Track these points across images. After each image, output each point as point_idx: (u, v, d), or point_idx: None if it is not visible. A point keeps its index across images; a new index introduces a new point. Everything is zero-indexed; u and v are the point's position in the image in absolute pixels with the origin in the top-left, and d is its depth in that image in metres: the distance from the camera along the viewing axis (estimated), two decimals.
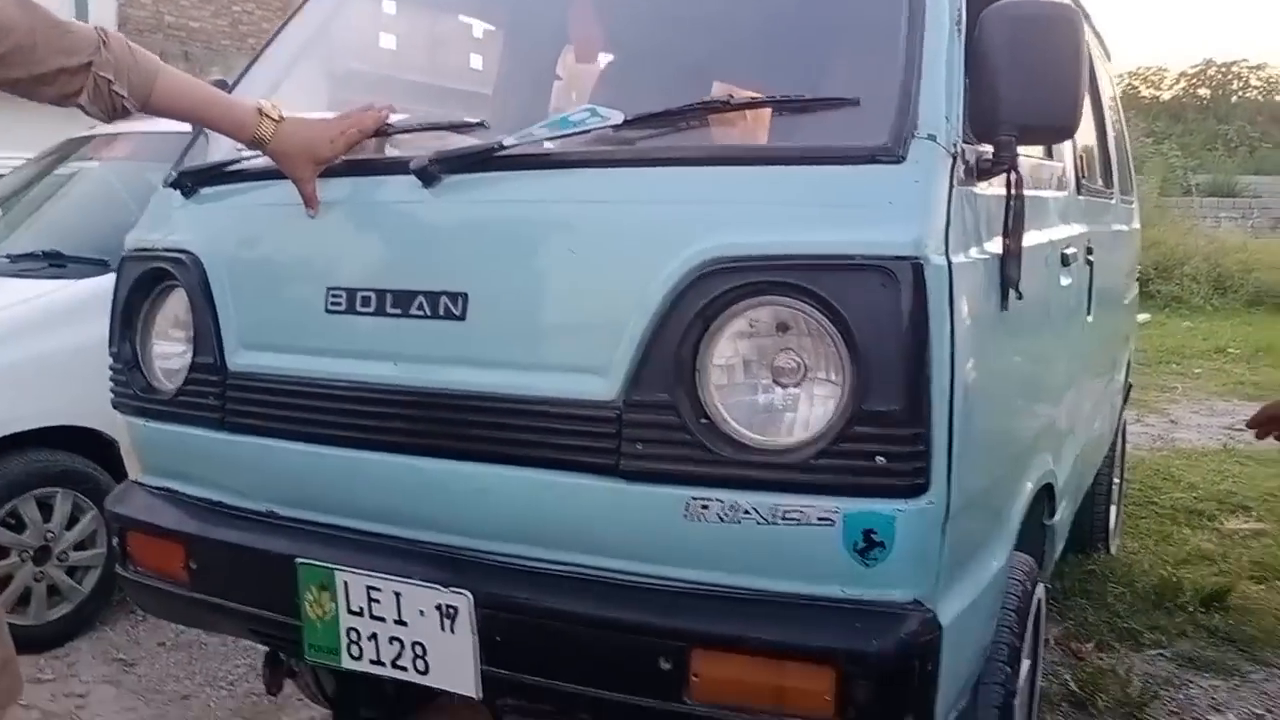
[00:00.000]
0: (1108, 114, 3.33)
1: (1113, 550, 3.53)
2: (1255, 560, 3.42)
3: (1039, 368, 1.88)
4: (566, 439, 1.44)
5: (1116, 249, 3.07)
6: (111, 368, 1.97)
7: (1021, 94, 1.43)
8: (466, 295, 1.53)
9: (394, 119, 1.73)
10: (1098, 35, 3.56)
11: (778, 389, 1.37)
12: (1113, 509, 3.57)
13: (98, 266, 3.19)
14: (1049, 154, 2.14)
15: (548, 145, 1.55)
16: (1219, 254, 11.86)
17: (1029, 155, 1.94)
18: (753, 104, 1.49)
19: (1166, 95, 42.21)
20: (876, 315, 1.29)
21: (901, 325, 1.29)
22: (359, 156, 1.71)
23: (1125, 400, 3.88)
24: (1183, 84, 43.42)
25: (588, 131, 1.52)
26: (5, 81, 1.49)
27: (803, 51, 1.74)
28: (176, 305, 1.88)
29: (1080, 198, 2.37)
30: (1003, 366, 1.55)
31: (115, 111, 1.55)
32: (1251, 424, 1.97)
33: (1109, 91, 3.62)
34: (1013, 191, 1.50)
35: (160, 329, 1.91)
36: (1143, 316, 10.05)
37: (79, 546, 3.03)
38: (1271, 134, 35.95)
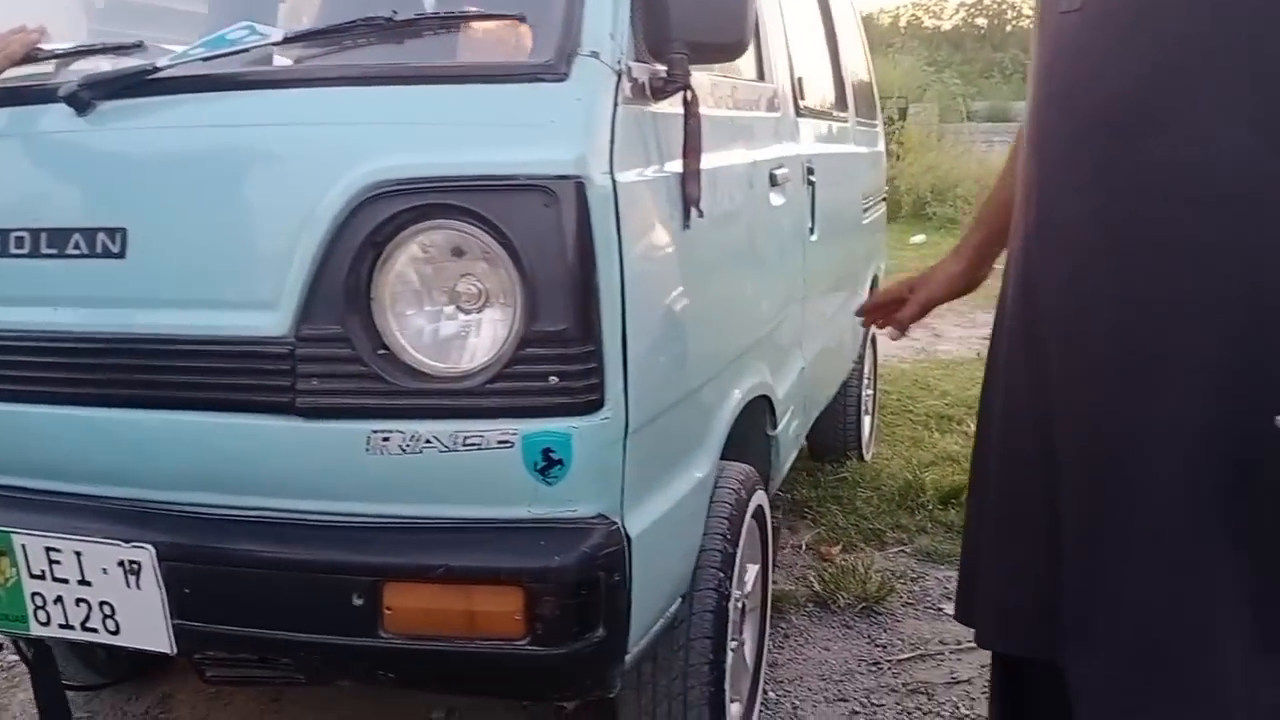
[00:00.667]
0: (844, 37, 3.44)
1: (867, 458, 3.74)
2: None
3: (739, 284, 1.94)
4: (238, 379, 1.38)
5: (850, 170, 3.20)
6: None
7: (690, 12, 1.44)
8: (125, 231, 1.43)
9: (51, 45, 1.59)
10: None
11: (455, 315, 1.35)
12: (866, 419, 3.77)
13: None
14: (760, 75, 2.19)
15: (206, 67, 1.46)
16: (988, 175, 12.59)
17: (735, 78, 1.98)
18: (416, 21, 1.44)
19: (947, 25, 44.36)
20: (541, 235, 1.29)
21: (566, 244, 1.29)
22: (8, 84, 1.56)
23: None
24: (962, 14, 45.75)
25: (246, 50, 1.44)
26: None
27: None
28: None
29: (799, 119, 2.44)
30: (688, 283, 1.58)
31: None
32: (859, 311, 1.81)
33: (849, 16, 3.74)
34: (688, 111, 1.51)
35: None
36: (918, 238, 10.66)
37: None
38: None
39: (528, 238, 1.29)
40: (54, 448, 1.51)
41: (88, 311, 1.45)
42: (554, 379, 1.30)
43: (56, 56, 1.60)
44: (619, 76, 1.39)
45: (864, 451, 3.71)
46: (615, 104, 1.37)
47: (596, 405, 1.32)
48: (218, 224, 1.41)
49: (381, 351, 1.34)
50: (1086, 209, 1.10)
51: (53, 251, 1.47)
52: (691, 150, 1.53)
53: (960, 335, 6.24)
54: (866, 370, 3.74)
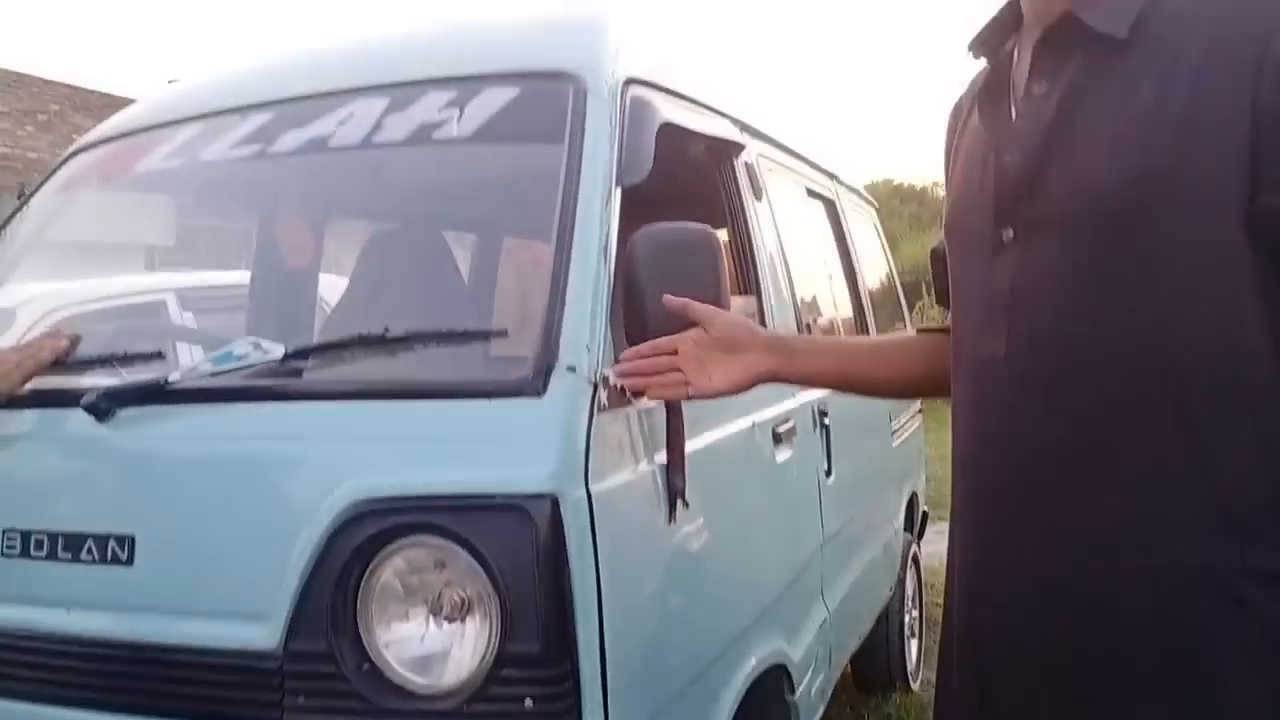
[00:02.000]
0: (861, 263, 3.51)
1: (915, 687, 3.60)
2: None
3: (739, 558, 1.94)
4: (229, 691, 1.41)
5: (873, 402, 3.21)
6: None
7: (664, 315, 1.50)
8: (134, 538, 1.50)
9: (80, 348, 1.72)
10: (856, 190, 3.81)
11: (436, 630, 1.37)
12: (911, 643, 3.65)
13: None
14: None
15: (213, 379, 1.56)
16: None
17: None
18: (408, 338, 1.53)
19: None
20: (516, 555, 1.32)
21: (539, 564, 1.31)
22: (38, 388, 1.69)
23: (920, 529, 4.01)
24: None
25: (251, 366, 1.54)
26: None
27: (464, 284, 1.81)
28: None
29: None
30: (677, 576, 1.60)
31: None
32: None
33: (869, 239, 3.84)
34: (671, 408, 1.56)
35: None
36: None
37: None
38: None
39: (503, 558, 1.32)
40: None
41: (98, 616, 1.51)
42: (529, 701, 1.30)
43: (83, 363, 1.72)
44: (595, 388, 1.44)
45: (910, 681, 3.57)
46: (591, 415, 1.42)
47: None
48: (216, 534, 1.47)
49: (366, 667, 1.36)
50: (1027, 570, 1.08)
51: (68, 556, 1.54)
52: (675, 444, 1.57)
53: None
54: (909, 590, 3.65)
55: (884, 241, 4.13)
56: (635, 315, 1.51)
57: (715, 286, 1.53)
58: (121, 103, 16.60)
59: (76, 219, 2.23)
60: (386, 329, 1.52)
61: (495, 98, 1.76)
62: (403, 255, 1.94)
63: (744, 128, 2.39)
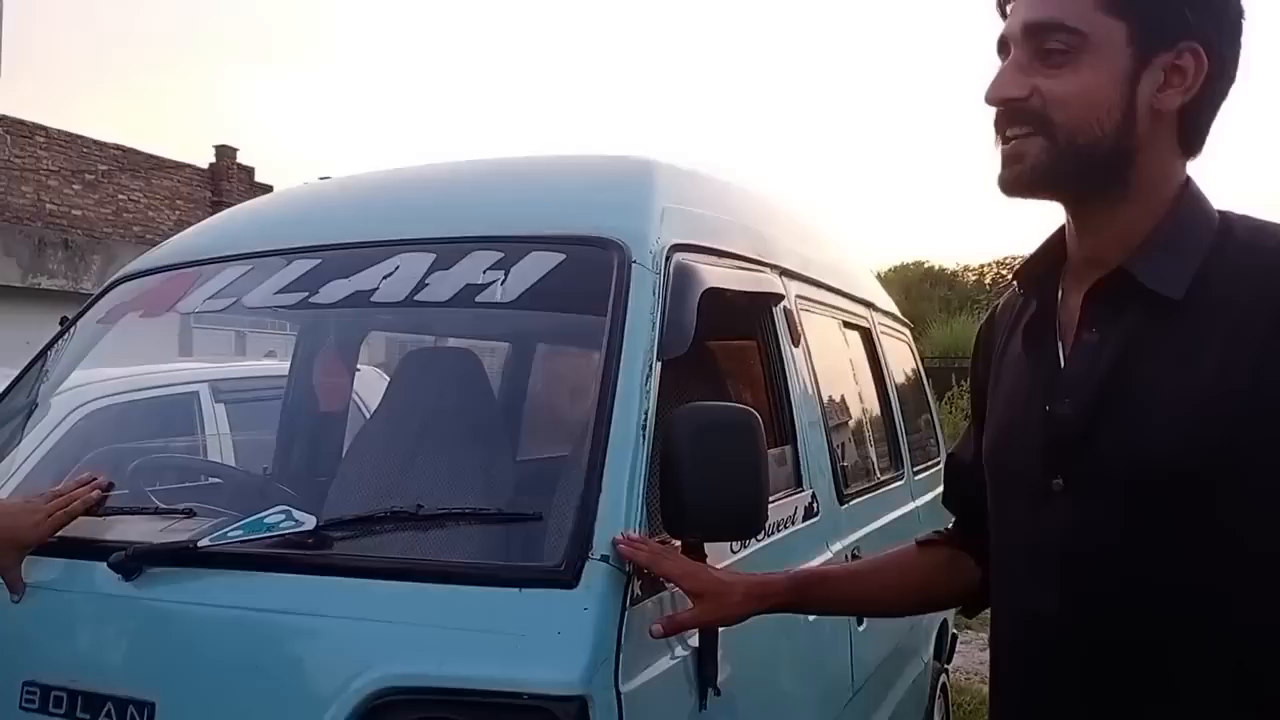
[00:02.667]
0: (895, 388, 3.48)
1: None
2: None
3: None
4: None
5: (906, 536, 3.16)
6: None
7: (704, 497, 1.48)
8: (154, 705, 1.48)
9: (112, 494, 1.73)
10: (891, 314, 3.81)
11: None
12: None
13: None
14: (797, 483, 2.22)
15: (242, 545, 1.55)
16: None
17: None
18: (442, 516, 1.52)
19: None
20: None
21: None
22: (69, 535, 1.68)
23: (950, 652, 3.92)
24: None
25: (282, 535, 1.53)
26: None
27: (510, 460, 1.80)
28: None
29: (842, 508, 2.45)
30: None
31: None
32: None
33: (904, 361, 3.83)
34: None
35: None
36: None
37: None
38: None
39: None
40: None
41: None
42: None
43: (114, 513, 1.72)
44: (629, 578, 1.42)
45: None
46: (624, 609, 1.40)
47: None
48: (240, 708, 1.45)
49: None
50: None
51: (86, 717, 1.52)
52: (709, 634, 1.54)
53: None
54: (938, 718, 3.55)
55: (918, 361, 4.10)
56: (672, 497, 1.49)
57: (754, 469, 1.52)
58: (169, 165, 16.93)
59: (115, 349, 2.25)
60: (420, 506, 1.52)
61: (540, 262, 1.76)
62: (441, 417, 1.93)
63: (782, 272, 2.40)
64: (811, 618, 2.09)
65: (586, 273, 1.74)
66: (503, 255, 1.80)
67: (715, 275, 1.89)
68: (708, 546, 1.54)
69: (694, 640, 1.55)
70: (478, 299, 1.76)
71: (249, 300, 1.95)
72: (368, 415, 2.65)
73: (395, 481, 1.71)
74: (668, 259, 1.76)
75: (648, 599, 1.47)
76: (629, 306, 1.65)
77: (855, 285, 3.25)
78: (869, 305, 3.37)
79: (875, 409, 3.21)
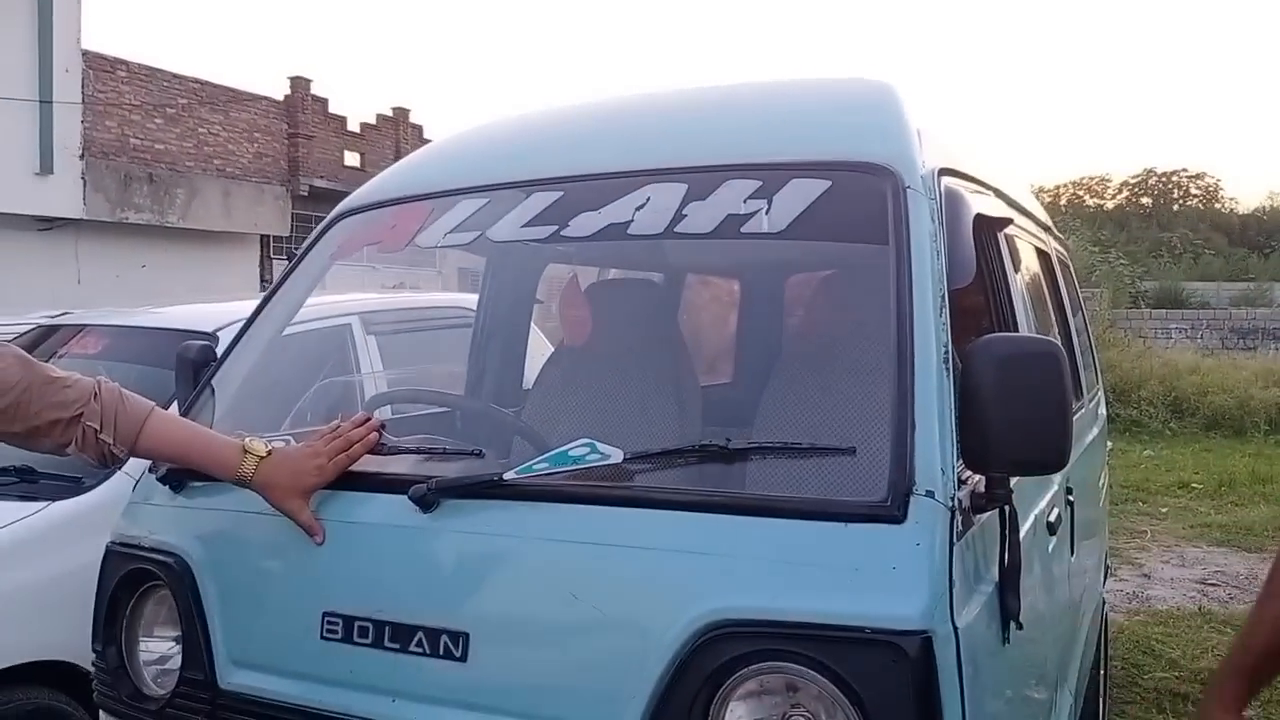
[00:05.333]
0: (1070, 310, 3.42)
1: None
2: None
3: (1038, 670, 1.88)
4: None
5: (1091, 461, 3.12)
6: (95, 665, 1.92)
7: (1010, 432, 1.45)
8: (468, 635, 1.52)
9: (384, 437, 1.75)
10: (1059, 238, 3.70)
11: None
12: (1100, 702, 3.54)
13: (71, 485, 3.14)
14: None
15: (547, 479, 1.56)
16: (1173, 376, 12.12)
17: None
18: (751, 449, 1.51)
19: (1111, 204, 43.85)
20: (888, 691, 1.30)
21: (914, 702, 1.29)
22: (355, 471, 1.71)
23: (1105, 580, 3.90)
24: (1126, 193, 45.12)
25: (588, 468, 1.54)
26: (2, 435, 1.51)
27: (797, 394, 1.78)
28: (164, 608, 1.85)
29: None
30: (1006, 700, 1.56)
31: (105, 458, 1.58)
32: None
33: (1066, 285, 3.74)
34: (1007, 526, 1.52)
35: (148, 631, 1.87)
36: (1148, 452, 10.12)
37: None
38: (1213, 241, 37.36)
39: (874, 694, 1.30)
40: None
41: (426, 708, 1.53)
42: None
43: (400, 451, 1.75)
44: (952, 514, 1.41)
45: None
46: (951, 544, 1.39)
47: None
48: (557, 640, 1.48)
49: None
50: None
51: (395, 646, 1.57)
52: (1012, 564, 1.52)
53: (1172, 576, 5.87)
54: (1100, 651, 3.53)
55: (1074, 275, 4.01)
56: (975, 432, 1.46)
57: (1060, 401, 1.48)
58: (245, 97, 17.07)
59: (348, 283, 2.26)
60: (728, 440, 1.51)
61: (803, 190, 1.72)
62: (739, 355, 1.92)
63: (996, 194, 2.33)
64: (1050, 548, 2.08)
65: (858, 200, 1.70)
66: (761, 184, 1.76)
67: (978, 201, 1.83)
68: None
69: (992, 575, 1.54)
70: (743, 229, 1.73)
71: (494, 233, 1.94)
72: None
73: (687, 415, 1.71)
74: (937, 184, 1.71)
75: (969, 533, 1.45)
76: (910, 234, 1.61)
77: (1036, 207, 3.16)
78: (1048, 230, 3.28)
79: (1068, 335, 3.14)
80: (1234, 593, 5.53)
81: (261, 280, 17.55)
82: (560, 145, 2.10)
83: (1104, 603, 3.46)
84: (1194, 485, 8.44)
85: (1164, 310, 18.85)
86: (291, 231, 17.89)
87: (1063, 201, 36.80)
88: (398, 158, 20.03)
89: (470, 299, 4.36)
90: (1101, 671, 3.66)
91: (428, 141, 20.36)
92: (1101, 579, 3.29)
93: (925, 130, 1.83)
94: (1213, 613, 5.07)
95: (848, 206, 1.71)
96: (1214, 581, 5.69)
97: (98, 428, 1.57)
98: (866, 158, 1.73)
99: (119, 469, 1.74)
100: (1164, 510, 7.62)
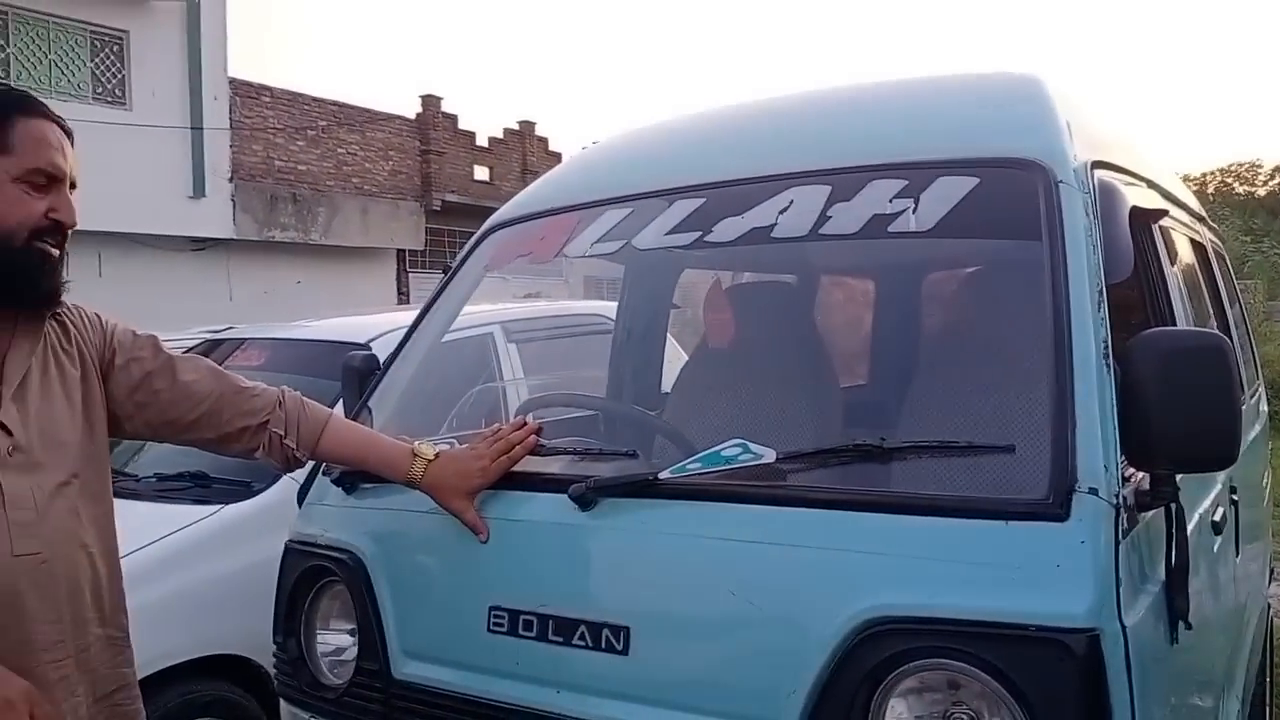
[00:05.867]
0: (1226, 302, 3.27)
1: None
2: None
3: (1206, 671, 1.83)
4: None
5: (1255, 458, 2.98)
6: (276, 656, 2.06)
7: (1176, 428, 1.42)
8: (629, 630, 1.57)
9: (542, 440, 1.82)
10: (1214, 228, 3.55)
11: None
12: (1267, 709, 3.37)
13: (241, 488, 3.36)
14: None
15: (703, 478, 1.60)
16: None
17: None
18: (905, 447, 1.52)
19: (1262, 190, 41.32)
20: (1054, 689, 1.29)
21: (1082, 701, 1.28)
22: (516, 470, 1.79)
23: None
24: (1278, 179, 42.49)
25: (742, 468, 1.57)
26: (197, 440, 1.65)
27: (944, 383, 1.77)
28: (340, 602, 1.96)
29: None
30: (1174, 702, 1.52)
31: (289, 461, 1.70)
32: None
33: (1222, 277, 3.58)
34: (1174, 524, 1.49)
35: (325, 624, 2.00)
36: None
37: None
38: None
39: (1040, 692, 1.29)
40: None
41: (590, 699, 1.59)
42: None
43: (558, 453, 1.82)
44: (1117, 511, 1.39)
45: None
46: (1116, 543, 1.37)
47: None
48: (718, 635, 1.52)
49: None
50: None
51: (559, 639, 1.63)
52: (1180, 564, 1.49)
53: None
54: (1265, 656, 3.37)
55: (1229, 265, 3.83)
56: (1139, 428, 1.44)
57: (1228, 396, 1.44)
58: (380, 117, 17.74)
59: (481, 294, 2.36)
60: (883, 439, 1.52)
61: (951, 188, 1.72)
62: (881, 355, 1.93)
63: (1150, 185, 2.27)
64: (1216, 549, 2.01)
65: (1008, 196, 1.68)
66: (907, 183, 1.76)
67: (1133, 193, 1.79)
68: None
69: (1159, 574, 1.51)
70: (890, 228, 1.73)
71: (639, 242, 2.00)
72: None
73: (828, 416, 1.72)
74: (1090, 177, 1.68)
75: (1134, 531, 1.43)
76: (1064, 229, 1.59)
77: (1188, 196, 3.04)
78: (1202, 220, 3.15)
79: (1226, 329, 3.01)
80: None
81: (398, 292, 18.24)
82: (701, 152, 2.15)
83: (1269, 607, 3.29)
84: None
85: None
86: (426, 245, 18.52)
87: (1210, 190, 34.87)
88: (525, 170, 20.52)
89: (603, 305, 4.48)
90: (1268, 678, 3.49)
91: (553, 154, 20.85)
92: (1266, 582, 3.14)
93: (1075, 123, 1.80)
94: None
95: (998, 203, 1.69)
96: None
97: (282, 433, 1.69)
98: (1016, 153, 1.72)
99: (287, 474, 1.87)
100: None
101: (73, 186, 1.49)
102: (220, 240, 15.10)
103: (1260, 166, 45.01)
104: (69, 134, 1.51)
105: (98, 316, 1.61)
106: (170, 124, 14.20)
